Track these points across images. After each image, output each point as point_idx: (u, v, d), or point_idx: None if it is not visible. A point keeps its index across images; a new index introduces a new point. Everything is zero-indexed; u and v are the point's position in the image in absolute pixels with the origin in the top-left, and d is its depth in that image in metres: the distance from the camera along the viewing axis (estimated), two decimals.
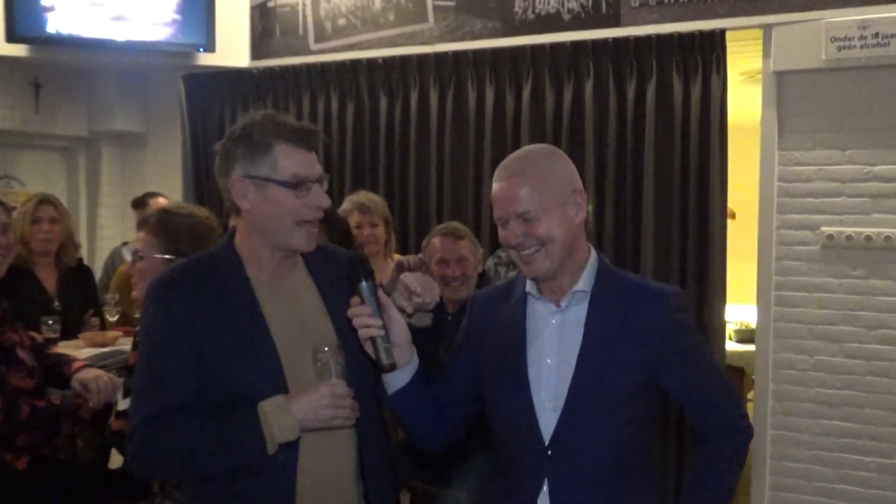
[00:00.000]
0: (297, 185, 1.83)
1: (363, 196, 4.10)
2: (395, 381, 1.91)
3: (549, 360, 1.90)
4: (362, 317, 1.80)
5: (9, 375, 2.62)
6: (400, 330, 1.86)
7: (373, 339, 1.81)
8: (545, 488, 1.88)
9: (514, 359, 1.92)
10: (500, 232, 1.91)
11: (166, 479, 1.89)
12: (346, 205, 4.05)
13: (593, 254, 1.97)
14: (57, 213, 4.03)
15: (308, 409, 1.77)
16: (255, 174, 1.82)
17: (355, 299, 1.82)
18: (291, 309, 1.91)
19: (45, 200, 4.02)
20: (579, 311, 1.91)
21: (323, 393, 1.79)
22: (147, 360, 1.85)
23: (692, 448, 2.04)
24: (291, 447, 1.80)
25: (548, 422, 1.88)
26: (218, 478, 1.81)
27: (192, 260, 1.94)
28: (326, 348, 1.82)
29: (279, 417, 1.76)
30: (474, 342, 2.03)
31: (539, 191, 1.84)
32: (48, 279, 4.02)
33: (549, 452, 1.87)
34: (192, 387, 1.80)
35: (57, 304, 3.97)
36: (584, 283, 1.92)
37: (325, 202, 1.89)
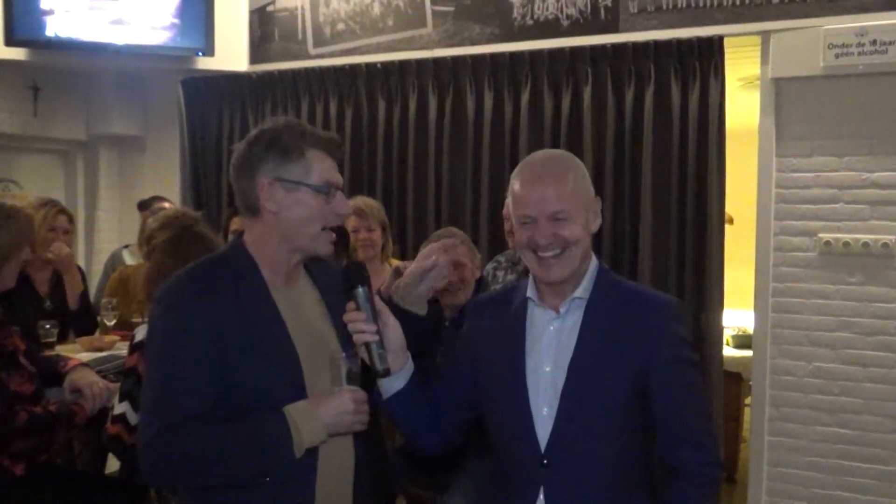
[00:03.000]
0: (328, 190, 1.87)
1: (360, 200, 4.11)
2: (391, 386, 1.92)
3: (546, 368, 1.90)
4: (357, 322, 1.82)
5: (9, 381, 2.62)
6: (395, 335, 1.88)
7: (367, 345, 1.83)
8: (541, 497, 1.87)
9: (512, 366, 1.92)
10: (523, 232, 1.90)
11: (187, 486, 1.85)
12: None
13: (594, 260, 1.98)
14: (70, 225, 4.11)
15: (335, 414, 1.81)
16: (286, 177, 1.84)
17: (350, 305, 1.84)
18: (303, 315, 1.92)
19: (63, 211, 4.08)
20: (576, 318, 1.91)
21: (347, 398, 1.82)
22: (164, 366, 1.80)
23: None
24: (312, 451, 1.82)
25: (544, 430, 1.87)
26: (240, 483, 1.80)
27: (205, 262, 1.93)
28: (344, 354, 1.85)
29: (309, 422, 1.78)
30: (473, 348, 2.04)
31: (574, 193, 1.88)
32: (41, 281, 4.03)
33: (546, 461, 1.87)
34: (212, 393, 1.78)
35: (48, 304, 3.96)
36: (583, 289, 1.93)
37: (348, 210, 1.94)
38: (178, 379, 1.78)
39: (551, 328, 1.93)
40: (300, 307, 1.93)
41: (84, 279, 4.41)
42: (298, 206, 1.86)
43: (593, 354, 1.87)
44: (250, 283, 1.86)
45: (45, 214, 3.97)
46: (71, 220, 4.12)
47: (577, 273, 1.92)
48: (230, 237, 3.59)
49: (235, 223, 4.01)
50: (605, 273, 1.98)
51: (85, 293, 4.20)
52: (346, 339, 1.90)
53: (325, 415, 1.80)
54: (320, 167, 1.87)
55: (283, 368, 1.82)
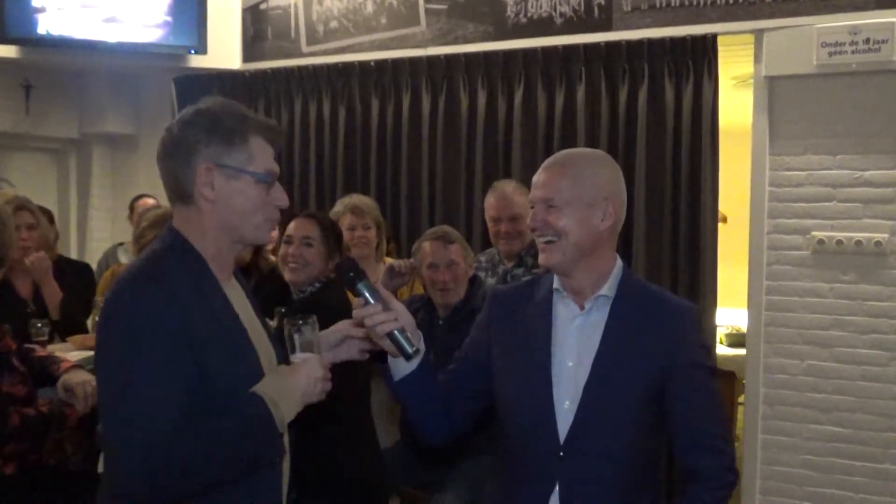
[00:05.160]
0: (270, 179, 1.76)
1: (356, 199, 4.10)
2: (404, 368, 1.91)
3: (569, 363, 1.94)
4: (375, 315, 1.79)
5: (1, 382, 2.60)
6: (406, 318, 1.85)
7: (391, 334, 1.81)
8: (557, 490, 1.90)
9: (537, 358, 1.95)
10: (529, 216, 1.99)
11: (173, 497, 1.62)
12: (337, 207, 4.05)
13: (619, 262, 2.01)
14: (34, 219, 3.93)
15: (307, 384, 1.72)
16: (228, 164, 1.72)
17: (359, 301, 1.81)
18: (246, 310, 1.84)
19: (22, 206, 3.88)
20: (601, 316, 1.96)
21: (315, 364, 1.75)
22: (135, 371, 1.57)
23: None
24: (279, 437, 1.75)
25: (564, 424, 1.91)
26: (234, 478, 1.66)
27: (155, 254, 1.73)
28: (311, 319, 1.79)
29: (284, 395, 1.68)
30: (492, 338, 2.05)
31: (570, 185, 1.92)
32: (23, 284, 3.93)
33: (563, 454, 1.90)
34: (185, 392, 1.60)
35: (32, 307, 3.88)
36: (608, 289, 1.96)
37: (286, 202, 1.82)
38: (155, 385, 1.57)
39: (575, 324, 1.96)
40: (241, 303, 1.84)
41: (91, 278, 4.34)
42: (238, 195, 1.73)
43: (617, 352, 1.92)
44: (200, 276, 1.72)
45: None
46: (34, 214, 3.95)
47: (588, 270, 1.95)
48: None
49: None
50: (630, 275, 2.03)
51: (72, 298, 4.11)
52: (277, 339, 1.89)
53: (296, 385, 1.71)
54: (262, 155, 1.76)
55: (245, 362, 1.72)
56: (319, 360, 1.77)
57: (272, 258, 4.13)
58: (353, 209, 3.97)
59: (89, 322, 4.18)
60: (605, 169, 1.98)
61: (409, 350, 1.82)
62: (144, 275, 1.66)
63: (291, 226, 3.12)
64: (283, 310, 2.98)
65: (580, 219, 1.91)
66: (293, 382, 1.71)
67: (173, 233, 1.76)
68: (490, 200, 3.80)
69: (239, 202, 1.73)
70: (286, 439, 1.83)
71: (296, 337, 1.79)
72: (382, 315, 1.79)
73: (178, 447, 1.56)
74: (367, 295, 1.80)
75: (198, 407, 1.62)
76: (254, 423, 1.65)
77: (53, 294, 3.99)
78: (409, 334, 1.83)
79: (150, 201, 5.00)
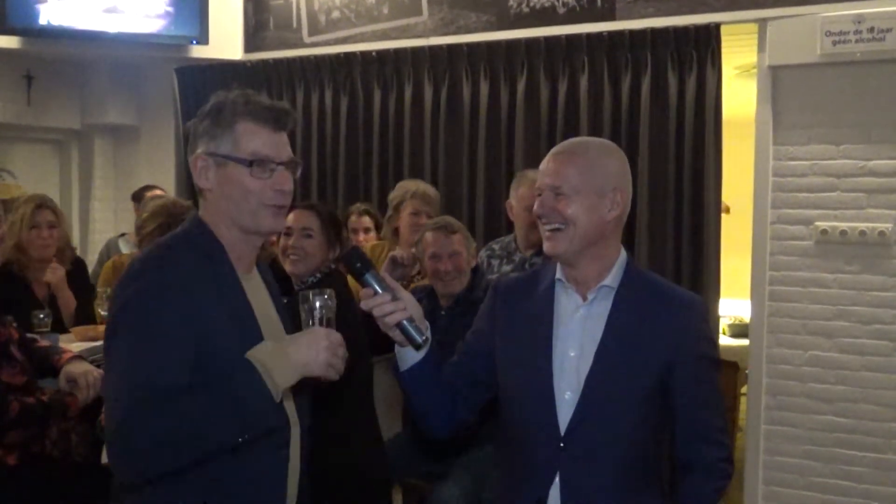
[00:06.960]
0: (252, 163, 1.72)
1: (423, 185, 4.12)
2: (410, 357, 1.91)
3: (572, 353, 1.93)
4: (384, 305, 1.78)
5: (0, 372, 2.61)
6: (414, 308, 1.85)
7: (399, 324, 1.80)
8: (557, 481, 1.89)
9: (539, 348, 1.95)
10: (535, 202, 1.98)
11: (164, 470, 1.60)
12: (398, 191, 4.02)
13: (623, 253, 2.00)
14: (55, 218, 3.89)
15: (307, 352, 1.65)
16: (215, 152, 1.73)
17: (367, 291, 1.80)
18: (263, 303, 1.86)
19: (43, 205, 3.85)
20: (604, 307, 1.95)
21: (320, 333, 1.69)
22: (133, 342, 1.61)
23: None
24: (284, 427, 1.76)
25: (565, 414, 1.90)
26: (221, 450, 1.64)
27: (170, 239, 1.78)
28: (327, 292, 1.77)
29: (278, 361, 1.63)
30: (496, 328, 2.05)
31: (579, 174, 1.90)
32: (40, 286, 3.89)
33: (563, 445, 1.89)
34: (185, 369, 1.62)
35: (47, 310, 3.78)
36: (612, 279, 1.95)
37: (287, 186, 1.79)
38: (149, 355, 1.60)
39: (578, 314, 1.96)
40: (260, 297, 1.85)
41: (85, 272, 4.33)
42: (228, 182, 1.73)
43: (620, 344, 1.91)
44: (217, 264, 1.75)
45: (23, 213, 3.78)
46: (55, 213, 3.91)
47: (592, 260, 1.94)
48: None
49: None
50: (634, 266, 2.01)
51: (89, 291, 4.10)
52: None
53: (295, 353, 1.64)
54: (250, 139, 1.73)
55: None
56: (328, 332, 1.70)
57: (273, 249, 4.12)
58: (422, 196, 3.97)
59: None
60: (614, 159, 1.97)
61: (419, 339, 1.82)
62: (155, 258, 1.71)
63: (291, 217, 3.11)
64: (284, 300, 2.98)
65: (588, 208, 1.90)
66: (292, 350, 1.65)
67: (196, 219, 1.79)
68: (522, 190, 3.72)
69: (231, 189, 1.75)
70: (293, 415, 1.81)
71: (306, 309, 1.76)
72: (391, 305, 1.78)
73: (155, 415, 1.56)
74: (374, 285, 1.79)
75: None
76: (241, 390, 1.61)
77: (69, 303, 3.96)
78: (417, 324, 1.82)
79: (158, 192, 4.99)
